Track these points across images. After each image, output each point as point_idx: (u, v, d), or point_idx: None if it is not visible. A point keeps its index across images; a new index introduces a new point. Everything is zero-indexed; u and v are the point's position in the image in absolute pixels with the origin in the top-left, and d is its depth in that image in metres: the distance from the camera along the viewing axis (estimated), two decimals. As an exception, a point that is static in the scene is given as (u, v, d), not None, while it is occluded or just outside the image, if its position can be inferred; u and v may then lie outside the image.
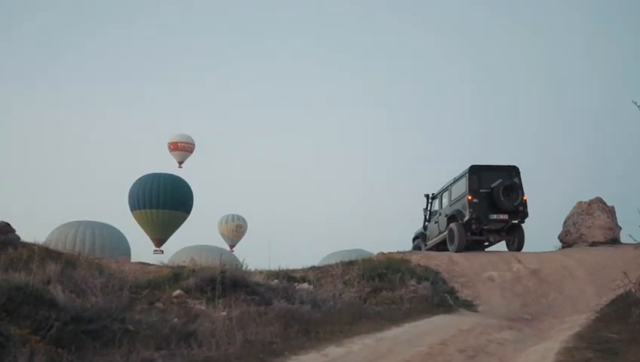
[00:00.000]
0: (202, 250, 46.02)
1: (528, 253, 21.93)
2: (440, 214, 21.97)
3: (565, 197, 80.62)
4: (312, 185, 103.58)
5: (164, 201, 47.75)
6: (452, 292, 18.00)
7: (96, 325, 9.91)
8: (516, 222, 20.89)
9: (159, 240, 49.74)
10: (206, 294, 12.36)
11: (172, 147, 53.28)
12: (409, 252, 21.89)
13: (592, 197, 23.82)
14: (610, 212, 23.32)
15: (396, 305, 14.44)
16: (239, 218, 55.88)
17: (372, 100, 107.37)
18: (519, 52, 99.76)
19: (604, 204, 23.56)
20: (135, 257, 29.52)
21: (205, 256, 44.32)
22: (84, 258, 15.58)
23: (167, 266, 18.27)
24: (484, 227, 20.65)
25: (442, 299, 15.73)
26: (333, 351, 9.71)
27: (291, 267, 18.94)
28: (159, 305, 12.15)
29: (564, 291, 18.16)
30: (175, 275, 13.19)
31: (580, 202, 23.92)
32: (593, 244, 22.53)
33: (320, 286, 16.66)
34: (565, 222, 23.84)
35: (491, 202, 19.99)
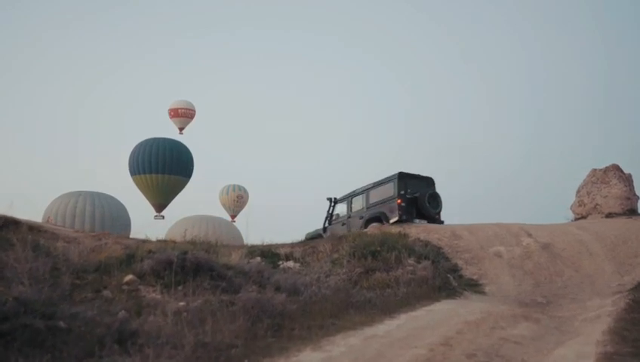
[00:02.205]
0: (202, 220, 45.08)
1: (538, 225, 19.85)
2: (350, 217, 22.77)
3: (577, 164, 77.74)
4: (317, 153, 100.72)
5: (163, 166, 46.16)
6: (455, 270, 16.04)
7: (13, 324, 7.74)
8: None
9: (160, 206, 48.21)
10: (163, 280, 10.15)
11: (172, 113, 51.46)
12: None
13: (607, 164, 21.61)
14: (628, 180, 21.16)
15: (391, 289, 12.28)
16: (240, 188, 54.08)
17: (373, 62, 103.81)
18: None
19: (621, 171, 21.39)
20: (135, 226, 27.72)
21: (205, 226, 43.31)
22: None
23: (163, 241, 16.35)
24: None
25: (444, 280, 13.63)
26: (307, 357, 7.51)
27: (287, 239, 18.12)
28: (106, 293, 9.93)
29: (581, 269, 16.13)
30: (128, 256, 10.96)
31: (595, 170, 21.79)
32: (609, 216, 20.53)
33: (307, 265, 14.58)
34: (578, 191, 21.76)
35: (416, 207, 21.35)
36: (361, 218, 22.05)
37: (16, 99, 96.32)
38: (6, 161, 79.37)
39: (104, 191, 43.60)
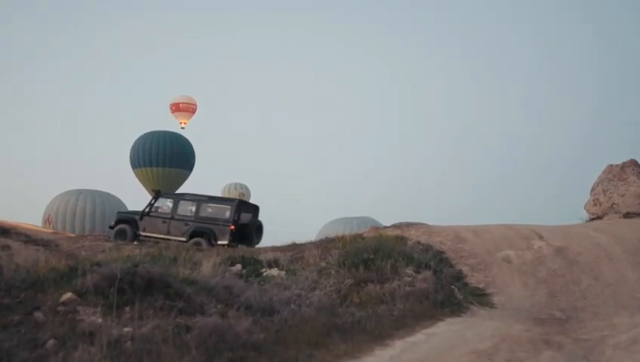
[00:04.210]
0: None
1: (550, 226, 18.04)
2: (174, 218, 22.73)
3: (592, 159, 75.20)
4: (322, 147, 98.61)
5: (163, 159, 45.25)
6: (460, 277, 14.34)
7: None
8: None
9: None
10: (108, 299, 8.21)
11: (174, 108, 50.40)
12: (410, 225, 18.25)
13: (624, 160, 19.73)
14: (647, 177, 19.23)
15: (386, 306, 10.35)
16: (242, 186, 53.68)
17: (380, 62, 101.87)
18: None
19: (640, 167, 19.48)
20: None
21: None
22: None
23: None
24: None
25: (448, 293, 11.77)
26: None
27: (287, 240, 17.54)
28: (38, 315, 8.00)
29: (600, 276, 14.42)
30: (71, 270, 8.99)
31: (611, 165, 20.01)
32: (627, 216, 18.79)
33: (291, 274, 12.70)
34: (593, 189, 19.94)
35: (243, 234, 22.19)
36: (187, 225, 22.33)
37: (14, 96, 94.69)
38: (6, 160, 77.44)
39: (105, 189, 43.57)
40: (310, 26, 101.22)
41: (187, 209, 22.80)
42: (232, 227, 21.77)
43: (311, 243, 16.91)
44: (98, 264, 9.22)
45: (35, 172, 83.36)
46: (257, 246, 21.56)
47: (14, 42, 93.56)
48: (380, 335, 8.62)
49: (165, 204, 23.62)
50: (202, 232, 21.94)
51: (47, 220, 40.07)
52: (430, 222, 19.92)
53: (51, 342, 7.21)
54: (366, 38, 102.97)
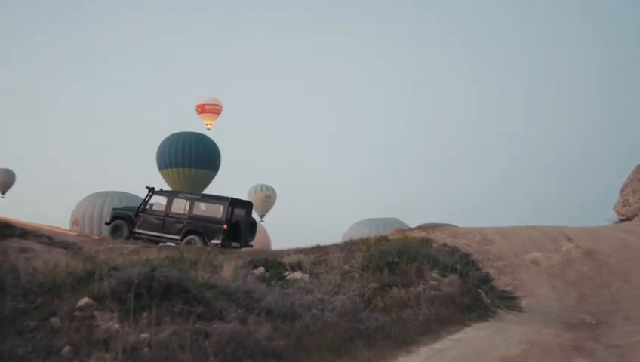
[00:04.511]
0: None
1: (579, 227, 17.62)
2: (168, 215, 22.81)
3: (620, 159, 73.88)
4: (348, 148, 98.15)
5: (189, 160, 45.52)
6: (487, 280, 14.00)
7: None
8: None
9: None
10: (125, 304, 8.02)
11: (199, 109, 50.60)
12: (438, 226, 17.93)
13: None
14: (679, 176, 18.77)
15: (411, 310, 10.08)
16: (268, 188, 53.11)
17: (397, 62, 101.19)
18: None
19: (672, 166, 19.02)
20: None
21: None
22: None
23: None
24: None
25: (475, 296, 11.43)
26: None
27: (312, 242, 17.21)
28: (54, 321, 7.84)
29: (631, 279, 14.08)
30: (89, 274, 8.82)
31: (641, 165, 19.39)
32: (658, 217, 18.11)
33: (315, 277, 12.45)
34: (622, 189, 19.44)
35: (236, 231, 22.34)
36: (181, 223, 22.44)
37: (45, 98, 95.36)
38: (36, 161, 77.96)
39: (132, 191, 43.08)
40: (337, 27, 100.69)
41: (181, 207, 22.84)
42: (225, 226, 21.87)
43: (335, 246, 16.65)
44: (116, 268, 9.05)
45: (63, 174, 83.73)
46: (274, 249, 21.65)
47: (52, 46, 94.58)
48: (405, 341, 8.35)
49: (160, 202, 23.73)
50: (196, 231, 22.08)
51: (74, 222, 40.23)
52: (458, 224, 19.67)
53: (67, 348, 7.05)
54: (392, 39, 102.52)
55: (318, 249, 16.82)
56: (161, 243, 22.79)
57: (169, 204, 22.98)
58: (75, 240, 20.55)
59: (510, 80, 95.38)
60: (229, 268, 10.98)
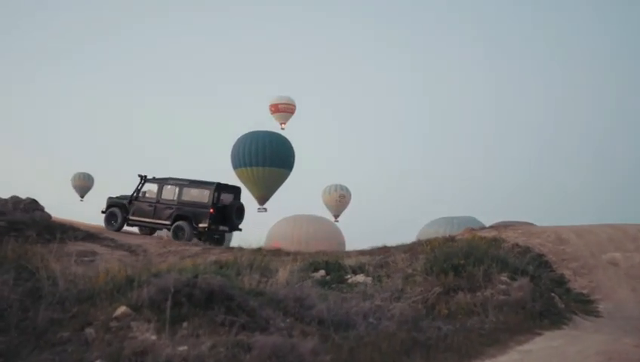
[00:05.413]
0: (302, 220, 43.82)
1: (659, 224, 16.49)
2: (159, 202, 23.66)
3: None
4: (424, 145, 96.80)
5: (263, 158, 45.42)
6: (561, 282, 13.12)
7: None
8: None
9: (262, 198, 47.85)
10: (164, 314, 7.51)
11: (273, 109, 50.80)
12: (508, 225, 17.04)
13: None
14: None
15: (477, 317, 9.34)
16: (342, 188, 52.48)
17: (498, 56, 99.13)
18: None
19: None
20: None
21: (305, 226, 42.14)
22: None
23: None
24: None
25: (547, 301, 10.56)
26: None
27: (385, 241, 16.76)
28: (89, 332, 7.39)
29: None
30: (128, 281, 8.36)
31: None
32: None
33: (378, 281, 11.82)
34: None
35: (223, 216, 23.19)
36: (171, 209, 23.22)
37: (122, 100, 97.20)
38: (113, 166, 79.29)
39: None
40: (411, 25, 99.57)
41: (170, 193, 23.62)
42: (212, 211, 22.60)
43: (400, 246, 15.99)
44: (156, 274, 8.57)
45: (132, 174, 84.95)
46: (348, 249, 21.00)
47: (137, 47, 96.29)
48: (468, 353, 7.63)
49: (152, 189, 24.57)
50: (184, 216, 22.81)
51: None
52: (536, 222, 18.83)
53: (98, 362, 6.65)
54: (476, 38, 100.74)
55: (383, 250, 16.21)
56: (157, 231, 24.78)
57: (160, 190, 23.88)
58: (140, 242, 20.45)
59: (597, 77, 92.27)
60: (284, 272, 10.42)
